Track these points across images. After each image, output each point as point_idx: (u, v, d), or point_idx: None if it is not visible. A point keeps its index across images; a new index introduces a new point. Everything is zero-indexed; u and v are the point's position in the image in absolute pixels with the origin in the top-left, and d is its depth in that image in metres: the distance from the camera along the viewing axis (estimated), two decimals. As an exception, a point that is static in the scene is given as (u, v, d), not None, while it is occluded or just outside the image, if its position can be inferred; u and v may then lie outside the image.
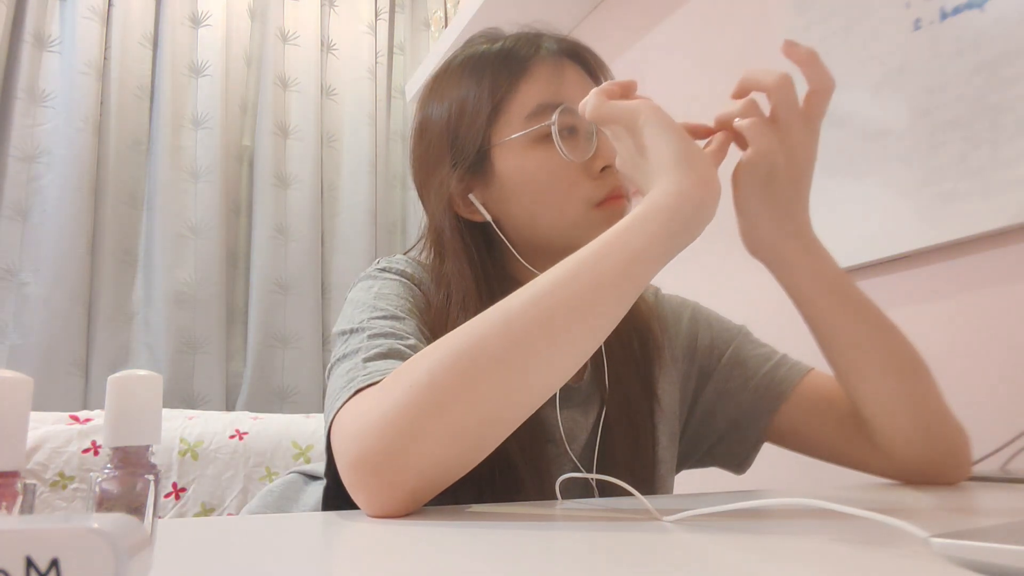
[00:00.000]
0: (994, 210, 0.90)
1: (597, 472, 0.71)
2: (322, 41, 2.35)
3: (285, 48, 2.28)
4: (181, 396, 1.98)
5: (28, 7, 1.95)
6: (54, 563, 0.21)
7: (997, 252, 0.92)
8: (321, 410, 0.70)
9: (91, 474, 0.36)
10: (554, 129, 0.68)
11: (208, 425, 1.59)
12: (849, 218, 1.09)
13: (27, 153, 1.93)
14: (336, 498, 0.58)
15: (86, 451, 1.45)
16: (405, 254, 0.77)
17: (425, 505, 0.54)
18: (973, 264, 0.95)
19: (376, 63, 2.42)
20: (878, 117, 1.06)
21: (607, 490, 0.70)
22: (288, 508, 0.78)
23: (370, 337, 0.61)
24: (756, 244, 0.66)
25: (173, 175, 2.07)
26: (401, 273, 0.71)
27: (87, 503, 0.36)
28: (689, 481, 0.86)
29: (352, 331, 0.63)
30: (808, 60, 0.61)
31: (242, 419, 1.65)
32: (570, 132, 0.69)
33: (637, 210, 0.56)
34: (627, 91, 0.62)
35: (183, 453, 1.52)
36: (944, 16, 0.97)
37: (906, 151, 1.01)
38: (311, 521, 0.54)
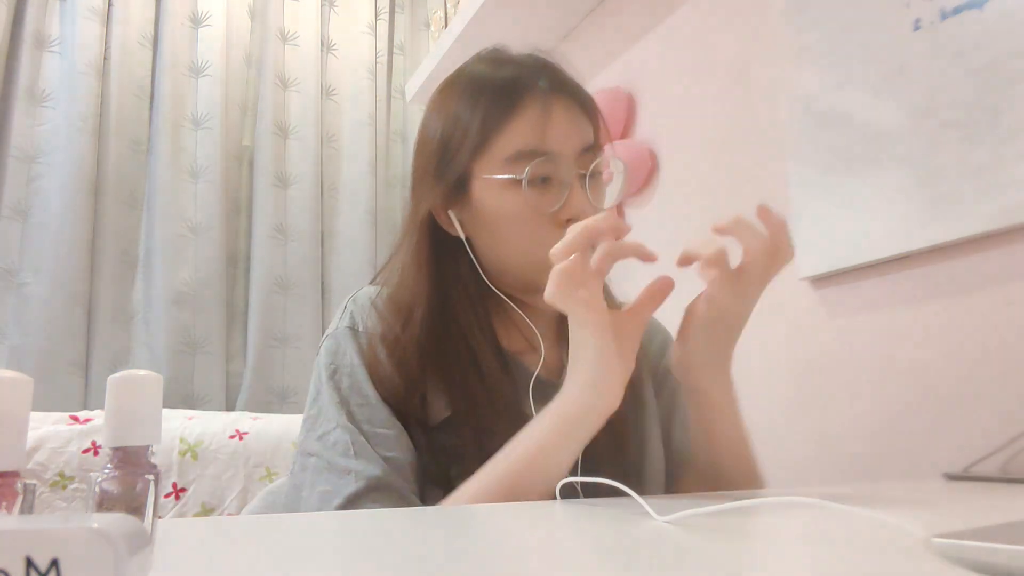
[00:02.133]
0: (994, 210, 0.90)
1: (582, 468, 0.72)
2: (322, 41, 2.35)
3: (285, 48, 2.28)
4: (181, 396, 1.98)
5: (28, 7, 1.95)
6: (54, 563, 0.21)
7: (997, 252, 0.92)
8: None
9: (91, 474, 0.36)
10: (524, 182, 0.71)
11: (208, 425, 1.59)
12: (849, 218, 1.09)
13: (27, 153, 1.93)
14: None
15: (86, 451, 1.45)
16: (385, 270, 0.81)
17: (425, 505, 0.54)
18: (973, 264, 0.95)
19: (376, 63, 2.42)
20: (878, 117, 1.06)
21: (601, 490, 0.70)
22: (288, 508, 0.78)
23: (348, 454, 0.67)
24: (685, 371, 0.71)
25: (173, 175, 2.07)
26: (381, 335, 0.74)
27: (87, 503, 0.36)
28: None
29: (325, 434, 0.69)
30: (780, 228, 0.65)
31: (242, 419, 1.65)
32: (543, 181, 0.73)
33: (551, 412, 0.63)
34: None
35: (183, 453, 1.52)
36: (944, 16, 0.97)
37: (906, 151, 1.01)
38: (311, 521, 0.54)
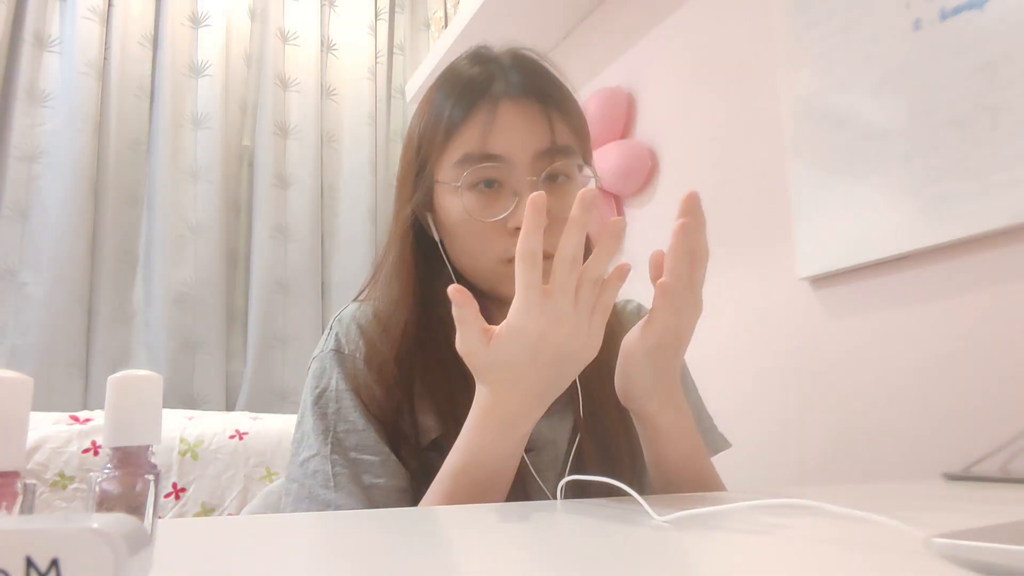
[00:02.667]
0: (994, 210, 0.90)
1: (575, 472, 0.71)
2: (322, 41, 2.35)
3: (285, 48, 2.28)
4: (181, 396, 1.98)
5: (28, 7, 1.95)
6: (54, 563, 0.21)
7: (997, 252, 0.92)
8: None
9: (91, 474, 0.36)
10: (461, 188, 0.70)
11: (208, 425, 1.59)
12: (849, 218, 1.09)
13: (27, 153, 1.93)
14: None
15: (86, 451, 1.45)
16: (370, 283, 0.79)
17: (418, 506, 0.54)
18: (973, 264, 0.95)
19: (376, 63, 2.42)
20: (878, 117, 1.06)
21: (599, 492, 0.70)
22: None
23: (328, 485, 0.66)
24: (630, 401, 0.67)
25: (173, 175, 2.07)
26: (366, 358, 0.72)
27: (87, 503, 0.36)
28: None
29: (306, 461, 0.68)
30: (698, 227, 0.61)
31: (242, 419, 1.65)
32: (489, 186, 0.70)
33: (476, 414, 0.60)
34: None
35: (183, 453, 1.52)
36: (944, 16, 0.97)
37: (906, 151, 1.01)
38: (311, 521, 0.54)
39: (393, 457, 0.69)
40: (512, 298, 0.56)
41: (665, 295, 0.61)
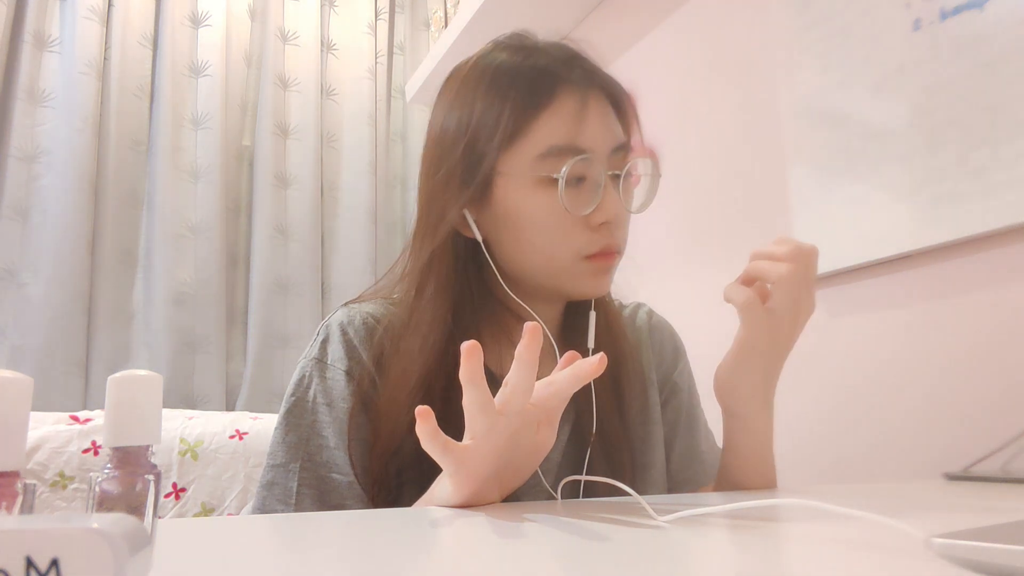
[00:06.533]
0: (994, 210, 0.90)
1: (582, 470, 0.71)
2: (322, 41, 2.35)
3: (285, 48, 2.28)
4: (181, 396, 1.98)
5: (28, 7, 1.95)
6: (54, 563, 0.21)
7: (997, 252, 0.92)
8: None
9: (91, 474, 0.36)
10: (561, 182, 0.66)
11: (208, 425, 1.59)
12: (849, 218, 1.09)
13: (27, 153, 1.93)
14: None
15: (86, 451, 1.45)
16: (383, 288, 0.76)
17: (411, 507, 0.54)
18: (973, 264, 0.95)
19: (376, 63, 2.41)
20: (878, 117, 1.06)
21: (600, 492, 0.70)
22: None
23: (288, 501, 0.65)
24: (727, 395, 0.69)
25: (173, 175, 2.07)
26: (347, 370, 0.70)
27: (87, 503, 0.36)
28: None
29: (270, 468, 0.67)
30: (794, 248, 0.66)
31: (242, 419, 1.65)
32: (578, 180, 0.67)
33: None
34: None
35: (183, 453, 1.52)
36: (944, 16, 0.97)
37: (906, 151, 1.01)
38: (310, 521, 0.54)
39: (356, 481, 0.67)
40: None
41: (784, 286, 0.63)
